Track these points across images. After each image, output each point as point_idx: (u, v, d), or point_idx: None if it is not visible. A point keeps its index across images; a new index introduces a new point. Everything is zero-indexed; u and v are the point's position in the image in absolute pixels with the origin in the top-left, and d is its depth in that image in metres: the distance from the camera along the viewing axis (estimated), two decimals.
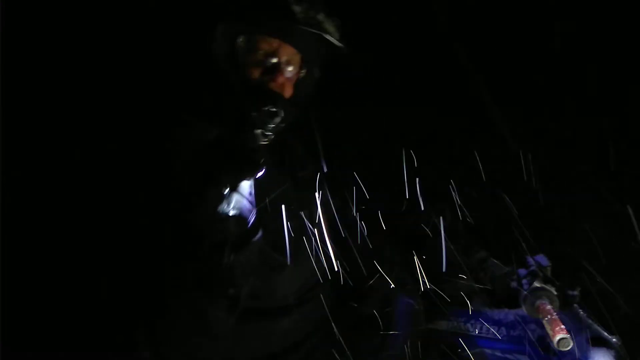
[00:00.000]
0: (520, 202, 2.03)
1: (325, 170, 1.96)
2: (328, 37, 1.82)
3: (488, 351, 1.88)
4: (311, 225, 1.91)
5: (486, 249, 2.03)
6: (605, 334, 1.72)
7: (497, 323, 1.90)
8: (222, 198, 1.69)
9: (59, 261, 2.08)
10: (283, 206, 1.80)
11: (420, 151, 2.06)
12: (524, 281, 1.81)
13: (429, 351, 1.96)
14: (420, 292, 2.02)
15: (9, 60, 2.03)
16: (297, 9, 1.79)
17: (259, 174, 1.70)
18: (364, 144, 2.19)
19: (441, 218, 1.89)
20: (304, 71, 1.93)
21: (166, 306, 1.74)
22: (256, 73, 1.83)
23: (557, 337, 1.64)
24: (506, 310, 1.90)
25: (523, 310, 1.81)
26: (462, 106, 2.62)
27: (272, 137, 1.74)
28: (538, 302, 1.77)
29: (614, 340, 1.70)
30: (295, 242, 1.83)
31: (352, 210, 1.95)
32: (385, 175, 2.02)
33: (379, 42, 2.65)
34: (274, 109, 1.71)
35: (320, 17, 1.83)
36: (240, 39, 1.83)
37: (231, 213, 1.71)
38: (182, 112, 1.80)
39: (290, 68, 1.86)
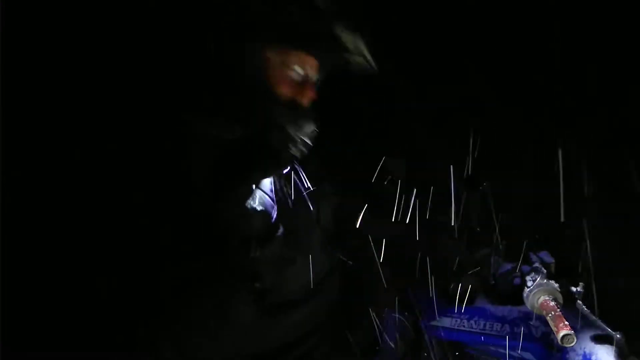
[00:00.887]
0: (525, 199, 2.04)
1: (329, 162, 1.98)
2: (362, 58, 1.81)
3: (492, 348, 1.89)
4: (315, 219, 1.93)
5: (489, 245, 2.03)
6: (609, 330, 1.72)
7: (500, 320, 1.90)
8: (250, 194, 1.71)
9: (60, 261, 2.07)
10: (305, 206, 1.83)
11: (423, 150, 2.07)
12: (528, 278, 1.81)
13: (432, 349, 1.97)
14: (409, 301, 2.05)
15: (9, 60, 2.03)
16: (336, 28, 1.77)
17: (285, 171, 1.72)
18: (367, 141, 2.19)
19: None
20: (322, 76, 1.93)
21: (190, 300, 1.75)
22: (285, 89, 1.82)
23: (561, 334, 1.64)
24: (510, 306, 1.90)
25: (527, 306, 1.80)
26: (468, 104, 2.61)
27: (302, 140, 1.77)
28: (542, 299, 1.76)
29: (617, 336, 1.70)
30: (301, 235, 1.85)
31: (356, 204, 1.96)
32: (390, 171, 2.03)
33: (380, 42, 2.65)
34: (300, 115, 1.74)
35: (348, 34, 1.81)
36: (270, 54, 1.81)
37: (258, 209, 1.73)
38: (205, 111, 1.80)
39: (315, 77, 1.85)
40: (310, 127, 1.78)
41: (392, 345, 2.03)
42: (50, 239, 2.02)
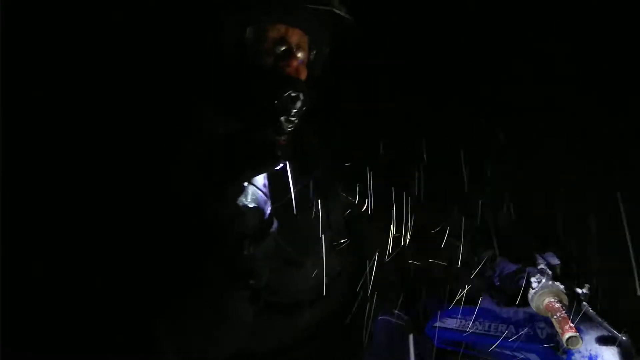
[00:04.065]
0: (529, 200, 2.04)
1: (339, 165, 1.97)
2: (334, 10, 1.81)
3: (497, 349, 1.88)
4: (325, 222, 1.92)
5: (495, 247, 2.03)
6: (615, 332, 1.72)
7: (505, 321, 1.90)
8: (242, 192, 1.69)
9: (60, 261, 2.07)
10: (299, 203, 1.82)
11: (428, 150, 2.07)
12: (533, 279, 1.81)
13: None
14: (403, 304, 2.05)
15: (10, 60, 2.03)
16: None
17: (278, 168, 1.70)
18: (373, 139, 2.19)
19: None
20: (313, 52, 1.93)
21: (189, 300, 1.74)
22: (269, 61, 1.82)
23: (567, 336, 1.64)
24: (515, 308, 1.90)
25: (532, 308, 1.81)
26: (475, 106, 2.61)
27: (297, 123, 1.74)
28: (547, 301, 1.77)
29: (623, 338, 1.71)
30: (311, 238, 1.84)
31: (361, 209, 1.96)
32: (394, 172, 2.03)
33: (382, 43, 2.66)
34: (295, 94, 1.70)
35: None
36: (248, 31, 1.82)
37: (250, 206, 1.72)
38: (196, 106, 1.80)
39: (301, 52, 1.85)
40: (307, 105, 1.77)
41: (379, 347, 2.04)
42: (51, 239, 2.02)
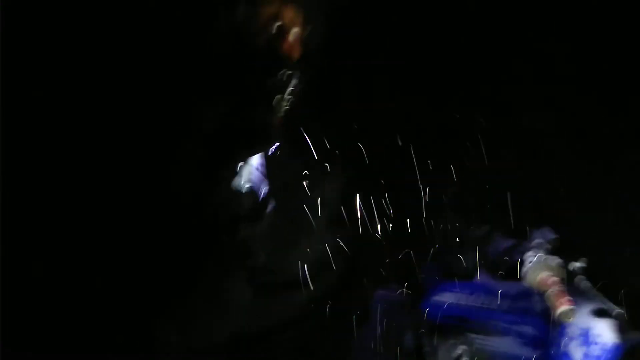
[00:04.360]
0: (524, 175, 2.04)
1: (337, 149, 1.97)
2: None
3: (492, 323, 1.88)
4: (321, 202, 1.92)
5: (490, 222, 2.03)
6: (609, 305, 1.71)
7: (502, 295, 1.90)
8: (237, 173, 1.70)
9: (60, 261, 2.07)
10: (295, 183, 1.83)
11: (424, 128, 2.07)
12: (529, 253, 1.81)
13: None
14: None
15: (10, 60, 2.05)
16: None
17: (272, 149, 1.71)
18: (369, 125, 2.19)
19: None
20: (309, 29, 1.93)
21: (186, 284, 1.74)
22: (264, 39, 1.83)
23: (561, 309, 1.65)
24: (511, 282, 1.89)
25: (527, 282, 1.80)
26: (475, 106, 2.62)
27: (292, 101, 1.75)
28: (541, 275, 1.77)
29: (617, 311, 1.70)
30: (307, 218, 1.84)
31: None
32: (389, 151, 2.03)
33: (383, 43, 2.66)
34: (290, 72, 1.71)
35: None
36: (242, 8, 1.83)
37: (246, 187, 1.72)
38: (197, 91, 1.81)
39: (294, 29, 1.86)
40: (302, 83, 1.78)
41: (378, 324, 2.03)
42: (50, 239, 2.02)
